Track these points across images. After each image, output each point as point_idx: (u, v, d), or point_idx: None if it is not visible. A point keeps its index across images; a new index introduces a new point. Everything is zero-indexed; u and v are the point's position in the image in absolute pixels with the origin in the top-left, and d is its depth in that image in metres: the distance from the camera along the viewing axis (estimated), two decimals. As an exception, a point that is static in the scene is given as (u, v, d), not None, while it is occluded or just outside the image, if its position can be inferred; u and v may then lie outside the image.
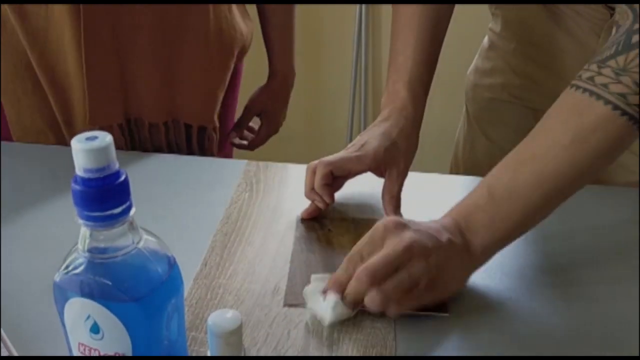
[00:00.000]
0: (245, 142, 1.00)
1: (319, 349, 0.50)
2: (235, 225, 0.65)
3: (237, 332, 0.37)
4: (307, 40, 1.95)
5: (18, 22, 0.74)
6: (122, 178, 0.32)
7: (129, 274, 0.34)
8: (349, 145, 0.67)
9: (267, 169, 0.76)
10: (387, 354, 0.50)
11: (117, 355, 0.35)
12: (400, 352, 0.50)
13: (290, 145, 2.07)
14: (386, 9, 1.83)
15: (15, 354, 0.45)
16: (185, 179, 0.73)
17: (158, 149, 0.85)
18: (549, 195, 0.53)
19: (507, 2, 0.81)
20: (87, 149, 0.31)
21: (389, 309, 0.50)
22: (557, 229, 0.64)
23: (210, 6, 0.81)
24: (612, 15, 0.70)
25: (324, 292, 0.52)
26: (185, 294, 0.54)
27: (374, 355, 0.49)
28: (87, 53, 0.75)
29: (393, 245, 0.50)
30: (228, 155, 0.98)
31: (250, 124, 1.01)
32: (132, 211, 0.33)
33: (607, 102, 0.50)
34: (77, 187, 0.31)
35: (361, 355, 0.49)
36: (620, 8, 0.53)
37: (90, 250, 0.33)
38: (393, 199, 0.65)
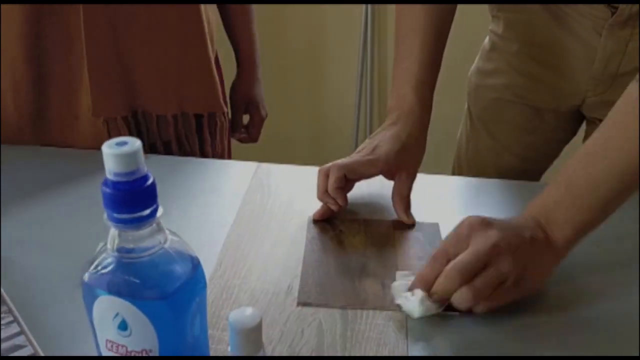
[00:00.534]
0: (246, 136, 1.04)
1: (332, 347, 0.51)
2: (248, 226, 0.66)
3: (256, 329, 0.38)
4: (312, 42, 1.96)
5: None
6: (150, 181, 0.34)
7: (156, 273, 0.35)
8: (360, 148, 0.68)
9: (277, 171, 0.78)
10: (399, 352, 0.51)
11: (144, 351, 0.36)
12: (412, 350, 0.51)
13: (297, 147, 2.09)
14: (392, 9, 1.83)
15: (41, 353, 0.46)
16: (197, 181, 0.75)
17: (166, 143, 0.86)
18: (626, 187, 0.54)
19: (511, 2, 0.82)
20: (117, 153, 0.32)
21: (477, 306, 0.52)
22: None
23: None
24: (613, 14, 0.72)
25: (410, 289, 0.54)
26: (202, 293, 0.55)
27: (386, 353, 0.51)
28: (88, 45, 0.76)
29: (480, 243, 0.52)
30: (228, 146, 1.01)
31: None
32: (159, 213, 0.35)
33: None
34: (107, 190, 0.33)
35: (373, 353, 0.51)
36: None
37: (118, 250, 0.35)
38: (403, 200, 0.67)
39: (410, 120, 0.68)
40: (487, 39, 0.91)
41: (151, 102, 0.83)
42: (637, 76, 0.54)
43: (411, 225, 0.67)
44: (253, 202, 0.71)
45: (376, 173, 0.67)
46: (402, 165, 0.67)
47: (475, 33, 0.97)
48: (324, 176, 0.65)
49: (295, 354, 0.50)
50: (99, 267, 0.35)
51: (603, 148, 0.55)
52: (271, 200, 0.72)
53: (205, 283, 0.38)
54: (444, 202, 0.73)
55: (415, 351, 0.51)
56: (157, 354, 0.36)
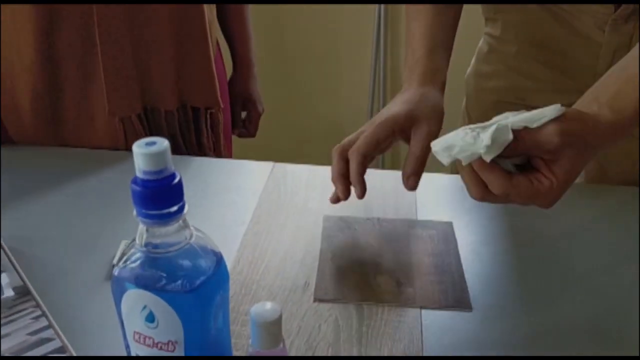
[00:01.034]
0: (244, 131, 1.08)
1: (348, 342, 0.52)
2: (265, 224, 0.68)
3: (277, 322, 0.39)
4: (326, 42, 1.98)
5: None
6: (177, 179, 0.35)
7: (182, 268, 0.37)
8: (368, 123, 0.65)
9: (293, 170, 0.79)
10: (414, 348, 0.52)
11: (170, 342, 0.38)
12: (426, 346, 0.52)
13: (311, 147, 2.10)
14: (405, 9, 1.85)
15: (68, 345, 0.48)
16: (215, 180, 0.77)
17: (172, 137, 0.87)
18: None
19: (512, 2, 0.81)
20: (146, 153, 0.34)
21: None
22: (573, 229, 0.66)
23: None
24: (617, 9, 0.72)
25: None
26: (221, 289, 0.57)
27: (401, 348, 0.52)
28: (102, 45, 0.77)
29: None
30: (228, 139, 1.03)
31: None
32: (186, 209, 0.36)
33: None
34: (137, 188, 0.34)
35: (389, 349, 0.52)
36: None
37: (146, 246, 0.36)
38: (414, 159, 0.60)
39: (422, 80, 0.64)
40: (482, 42, 0.90)
41: (158, 97, 0.85)
42: None
43: (425, 222, 0.68)
44: (269, 201, 0.72)
45: (389, 135, 0.60)
46: (416, 124, 0.61)
47: (472, 34, 0.96)
48: (342, 160, 0.61)
49: (313, 349, 0.52)
50: (128, 262, 0.37)
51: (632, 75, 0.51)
52: (287, 198, 0.73)
53: (228, 277, 0.40)
54: (457, 201, 0.74)
55: (430, 347, 0.52)
56: (182, 346, 0.38)
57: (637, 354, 0.52)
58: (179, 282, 0.36)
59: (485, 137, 0.45)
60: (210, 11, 0.88)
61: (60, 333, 0.49)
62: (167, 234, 0.36)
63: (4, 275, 0.55)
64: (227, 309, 0.41)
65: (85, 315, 0.54)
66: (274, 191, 0.75)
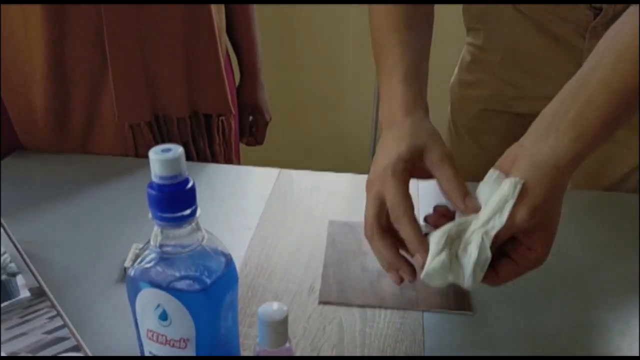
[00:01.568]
0: (252, 139, 1.10)
1: (352, 343, 0.54)
2: (271, 229, 0.70)
3: (283, 322, 0.41)
4: (331, 48, 2.00)
5: None
6: (191, 184, 0.37)
7: (194, 268, 0.38)
8: (369, 189, 0.53)
9: (298, 176, 0.81)
10: (416, 350, 0.54)
11: (182, 340, 0.39)
12: (427, 347, 0.54)
13: (315, 153, 2.12)
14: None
15: (83, 343, 0.50)
16: (223, 186, 0.79)
17: (184, 144, 0.89)
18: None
19: (495, 2, 0.81)
20: (162, 159, 0.36)
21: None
22: (574, 232, 0.68)
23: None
24: (596, 16, 0.73)
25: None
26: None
27: (403, 349, 0.54)
28: (112, 52, 0.79)
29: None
30: (236, 146, 1.05)
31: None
32: (198, 213, 0.38)
33: None
34: (153, 192, 0.36)
35: (391, 350, 0.54)
36: None
37: (161, 247, 0.38)
38: (452, 183, 0.50)
39: (405, 111, 0.55)
40: (464, 52, 0.91)
41: (169, 105, 0.86)
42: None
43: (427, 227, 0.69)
44: (276, 207, 0.74)
45: (408, 178, 0.51)
46: (425, 153, 0.52)
47: (454, 43, 0.96)
48: (386, 239, 0.50)
49: (317, 349, 0.53)
50: (143, 262, 0.39)
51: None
52: (293, 204, 0.75)
53: (237, 278, 0.42)
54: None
55: (432, 348, 0.54)
56: (194, 343, 0.40)
57: (638, 355, 0.53)
58: (191, 281, 0.38)
59: (467, 272, 0.46)
60: (219, 19, 0.90)
61: (75, 332, 0.51)
62: (181, 236, 0.38)
63: (20, 277, 0.57)
64: (236, 309, 0.43)
65: (98, 316, 0.56)
66: (280, 197, 0.76)
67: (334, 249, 0.66)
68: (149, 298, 0.39)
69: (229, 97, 0.91)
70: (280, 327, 0.41)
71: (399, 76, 0.57)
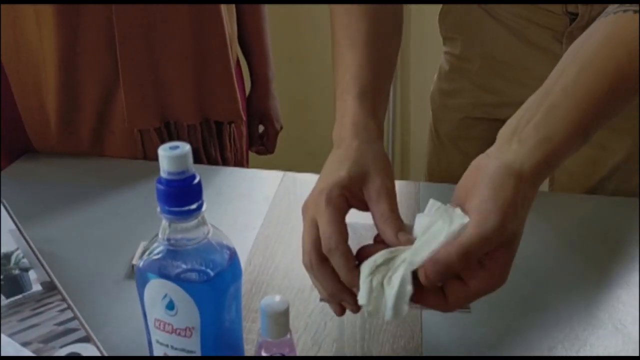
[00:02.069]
0: (262, 148, 1.11)
1: (352, 338, 0.56)
2: (275, 230, 0.72)
3: (285, 314, 0.43)
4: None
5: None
6: (197, 180, 0.39)
7: (200, 260, 0.40)
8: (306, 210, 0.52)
9: (302, 179, 0.83)
10: (414, 344, 0.55)
11: (187, 329, 0.41)
12: (426, 343, 0.55)
13: (318, 157, 2.14)
14: (414, 15, 1.88)
15: (92, 335, 0.52)
16: (228, 188, 0.81)
17: (195, 150, 0.90)
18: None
19: (471, 2, 0.82)
20: (170, 155, 0.38)
21: None
22: (573, 234, 0.69)
23: (223, 7, 0.87)
24: (572, 21, 0.74)
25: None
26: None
27: (401, 344, 0.55)
28: (122, 58, 0.81)
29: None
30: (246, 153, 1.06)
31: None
32: (204, 208, 0.40)
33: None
34: (161, 187, 0.38)
35: (390, 345, 0.55)
36: None
37: (168, 240, 0.40)
38: (386, 220, 0.48)
39: (354, 131, 0.52)
40: (442, 61, 0.91)
41: (180, 112, 0.88)
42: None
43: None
44: (280, 208, 0.76)
45: (346, 207, 0.50)
46: (366, 182, 0.49)
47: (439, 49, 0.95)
48: (324, 267, 0.47)
49: (318, 344, 0.55)
50: (151, 254, 0.41)
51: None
52: (297, 206, 0.77)
53: (240, 271, 0.44)
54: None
55: (429, 344, 0.55)
56: (198, 332, 0.42)
57: (638, 355, 0.55)
58: (197, 273, 0.40)
59: (389, 303, 0.43)
60: (230, 26, 0.91)
61: (85, 324, 0.53)
62: (187, 229, 0.40)
63: (32, 271, 0.59)
64: (239, 301, 0.45)
65: (106, 310, 0.58)
66: (284, 198, 0.78)
67: (336, 248, 0.68)
68: (156, 288, 0.41)
69: (240, 103, 0.92)
70: (281, 319, 0.43)
71: (354, 94, 0.54)
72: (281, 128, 1.12)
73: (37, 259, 0.61)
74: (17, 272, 0.59)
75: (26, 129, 0.88)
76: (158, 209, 0.39)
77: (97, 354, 0.50)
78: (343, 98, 0.55)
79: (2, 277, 0.58)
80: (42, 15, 0.79)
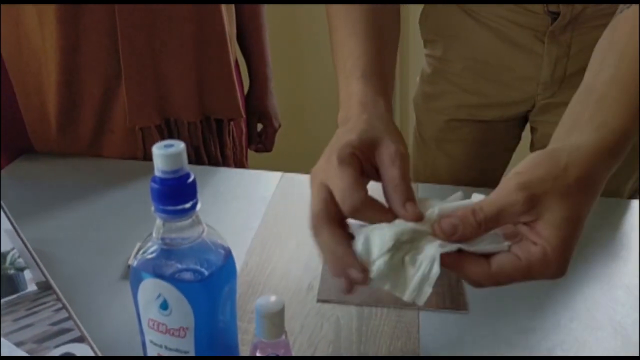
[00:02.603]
0: (261, 146, 1.12)
1: (348, 340, 0.55)
2: (273, 231, 0.71)
3: (280, 314, 0.43)
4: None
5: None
6: (191, 179, 0.39)
7: (194, 259, 0.40)
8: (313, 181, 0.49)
9: (300, 180, 0.83)
10: (411, 346, 0.55)
11: (181, 329, 0.41)
12: (423, 344, 0.55)
13: (318, 157, 2.14)
14: (414, 17, 1.88)
15: (87, 334, 0.52)
16: (226, 189, 0.80)
17: (196, 148, 0.91)
18: None
19: (452, 2, 0.82)
20: (165, 154, 0.38)
21: None
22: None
23: (223, 7, 0.87)
24: (554, 20, 0.74)
25: None
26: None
27: (398, 346, 0.55)
28: (124, 56, 0.81)
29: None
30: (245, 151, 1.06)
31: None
32: (199, 206, 0.40)
33: None
34: (155, 186, 0.38)
35: (386, 346, 0.55)
36: None
37: (163, 239, 0.40)
38: (397, 186, 0.44)
39: (362, 108, 0.49)
40: (425, 64, 0.91)
41: (180, 109, 0.88)
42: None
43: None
44: (277, 208, 0.76)
45: (359, 165, 0.45)
46: (378, 146, 0.45)
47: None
48: (334, 228, 0.44)
49: (314, 346, 0.55)
50: (145, 254, 0.40)
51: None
52: (294, 207, 0.77)
53: (235, 271, 0.43)
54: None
55: (427, 346, 0.55)
56: (192, 332, 0.41)
57: (638, 355, 0.54)
58: (191, 272, 0.40)
59: (411, 284, 0.40)
60: (230, 26, 0.91)
61: (79, 324, 0.53)
62: (182, 228, 0.40)
63: (27, 271, 0.59)
64: (234, 301, 0.44)
65: (101, 310, 0.58)
66: (281, 199, 0.78)
67: (333, 249, 0.68)
68: (150, 288, 0.40)
69: (239, 100, 0.92)
70: (276, 319, 0.43)
71: (358, 75, 0.52)
72: (279, 126, 1.13)
73: (33, 258, 0.61)
74: (12, 271, 0.59)
75: (27, 129, 0.87)
76: (152, 208, 0.39)
77: (91, 354, 0.50)
78: (347, 82, 0.53)
79: (-3, 276, 0.58)
80: (44, 15, 0.79)
